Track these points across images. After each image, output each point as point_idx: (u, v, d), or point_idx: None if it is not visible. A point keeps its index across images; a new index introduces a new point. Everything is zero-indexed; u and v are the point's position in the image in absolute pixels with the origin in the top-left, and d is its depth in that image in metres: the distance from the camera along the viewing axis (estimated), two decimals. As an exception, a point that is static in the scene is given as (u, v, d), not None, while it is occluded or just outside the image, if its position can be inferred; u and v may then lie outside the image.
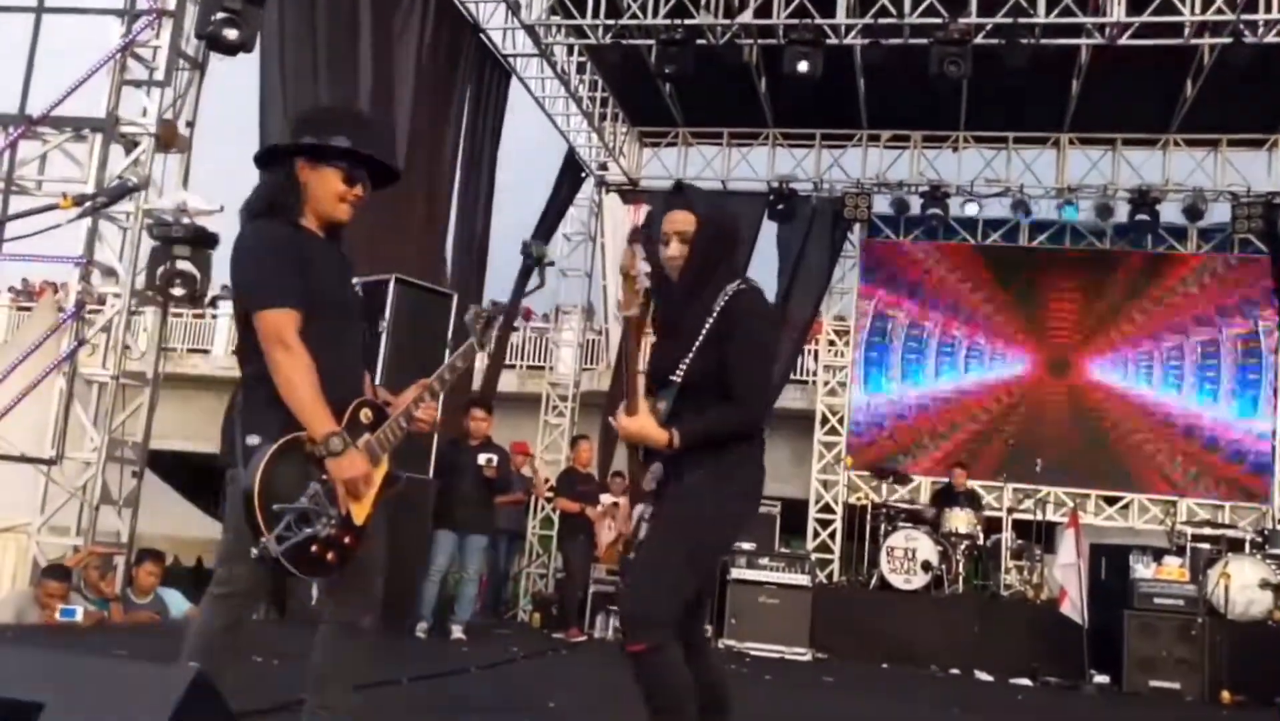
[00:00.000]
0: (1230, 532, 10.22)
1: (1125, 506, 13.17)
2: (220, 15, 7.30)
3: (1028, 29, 9.98)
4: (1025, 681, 9.12)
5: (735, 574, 9.63)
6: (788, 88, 11.41)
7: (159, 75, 7.59)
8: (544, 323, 17.99)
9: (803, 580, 9.76)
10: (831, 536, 13.51)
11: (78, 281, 7.31)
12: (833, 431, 13.90)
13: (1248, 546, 9.84)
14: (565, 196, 13.58)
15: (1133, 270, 13.59)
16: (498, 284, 12.39)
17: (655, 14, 10.68)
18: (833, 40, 10.45)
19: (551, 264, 13.14)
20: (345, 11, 8.87)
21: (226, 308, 17.64)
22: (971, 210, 13.40)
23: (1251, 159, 13.29)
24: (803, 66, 10.07)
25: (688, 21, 10.50)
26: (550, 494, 11.26)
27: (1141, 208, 12.84)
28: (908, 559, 10.21)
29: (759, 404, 3.13)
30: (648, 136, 14.72)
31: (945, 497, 11.30)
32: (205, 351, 18.96)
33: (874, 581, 10.53)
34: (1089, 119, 12.89)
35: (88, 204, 2.95)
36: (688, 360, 3.00)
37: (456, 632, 8.40)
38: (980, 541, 10.85)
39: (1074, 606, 8.98)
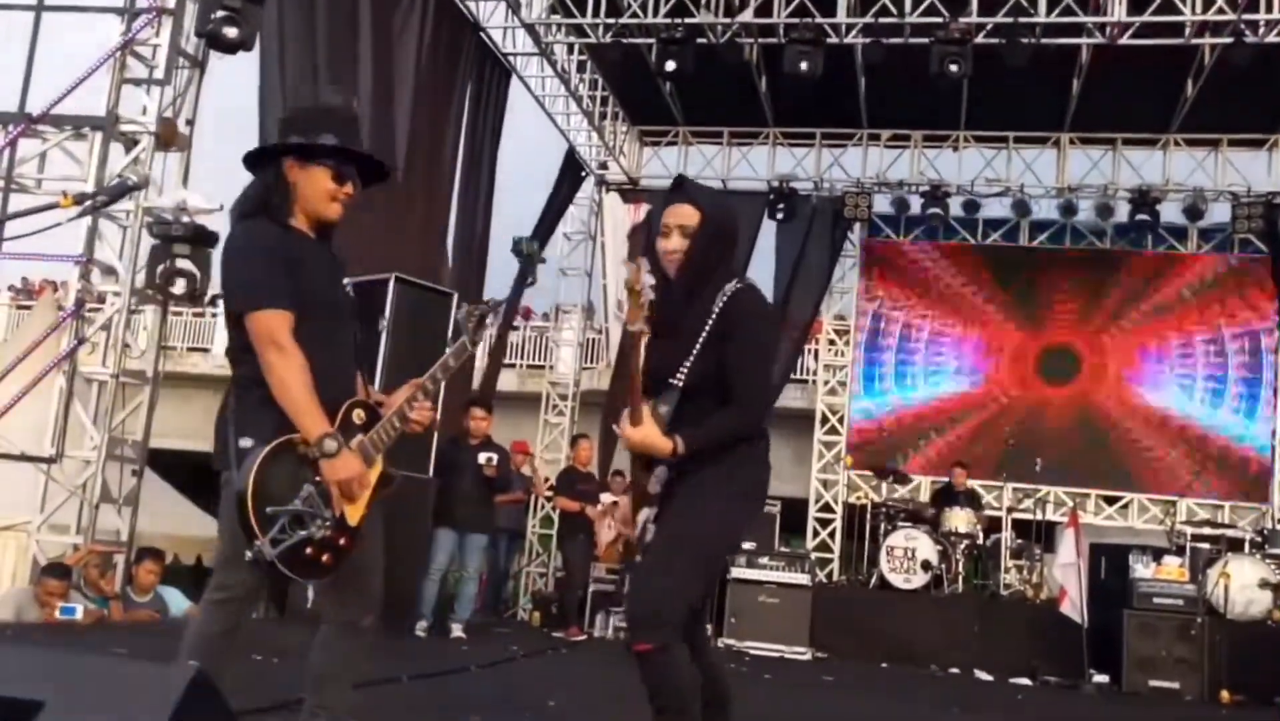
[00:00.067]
0: (1230, 532, 10.22)
1: (1125, 506, 13.16)
2: (220, 13, 7.29)
3: (1028, 28, 9.97)
4: (1025, 681, 9.11)
5: (735, 573, 9.63)
6: (788, 87, 11.40)
7: (159, 73, 7.58)
8: (544, 322, 18.00)
9: (802, 579, 9.76)
10: (831, 536, 13.51)
11: (78, 280, 7.30)
12: (833, 431, 13.89)
13: (1247, 546, 9.83)
14: (565, 195, 13.57)
15: (1133, 270, 13.57)
16: (498, 283, 12.41)
17: (655, 13, 10.67)
18: (833, 39, 10.43)
19: (543, 261, 13.13)
20: (345, 10, 8.86)
21: (226, 306, 17.59)
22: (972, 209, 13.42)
23: (1252, 159, 13.28)
24: (803, 66, 10.06)
25: (688, 20, 10.49)
26: (550, 493, 11.25)
27: (1142, 207, 12.82)
28: (907, 558, 10.21)
29: (760, 405, 3.13)
30: (648, 135, 14.71)
31: (945, 497, 11.29)
32: (205, 350, 18.91)
33: (874, 581, 10.53)
34: (1089, 119, 12.87)
35: (88, 202, 2.94)
36: (688, 364, 3.00)
37: (456, 631, 8.42)
38: (980, 541, 10.84)
39: (1074, 606, 8.97)
